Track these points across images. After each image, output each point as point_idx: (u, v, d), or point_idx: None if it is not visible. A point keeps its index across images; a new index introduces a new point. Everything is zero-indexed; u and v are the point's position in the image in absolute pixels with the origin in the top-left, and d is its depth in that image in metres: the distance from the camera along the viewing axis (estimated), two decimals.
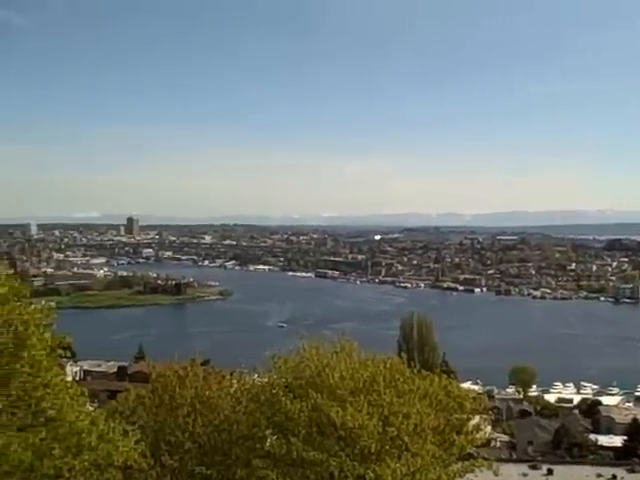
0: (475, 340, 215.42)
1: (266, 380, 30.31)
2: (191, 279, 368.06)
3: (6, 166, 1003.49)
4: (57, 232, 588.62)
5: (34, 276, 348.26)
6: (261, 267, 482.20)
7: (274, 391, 28.06)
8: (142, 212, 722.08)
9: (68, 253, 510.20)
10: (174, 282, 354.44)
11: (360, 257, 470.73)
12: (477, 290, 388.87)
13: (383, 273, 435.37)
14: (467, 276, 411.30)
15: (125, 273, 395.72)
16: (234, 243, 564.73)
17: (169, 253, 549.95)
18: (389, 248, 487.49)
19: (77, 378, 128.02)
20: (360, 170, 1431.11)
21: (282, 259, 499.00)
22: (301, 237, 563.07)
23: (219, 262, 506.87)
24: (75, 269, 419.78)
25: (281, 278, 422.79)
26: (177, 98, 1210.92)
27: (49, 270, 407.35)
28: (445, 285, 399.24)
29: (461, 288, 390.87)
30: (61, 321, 20.73)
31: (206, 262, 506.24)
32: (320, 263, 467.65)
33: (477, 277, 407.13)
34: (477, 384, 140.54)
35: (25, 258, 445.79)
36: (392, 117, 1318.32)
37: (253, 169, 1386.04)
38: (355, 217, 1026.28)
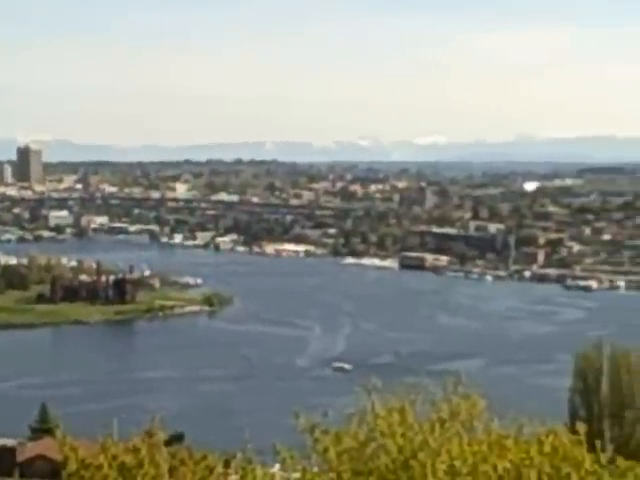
0: None
1: (298, 476, 18.36)
2: (147, 272, 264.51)
3: None
4: None
5: None
6: (290, 248, 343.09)
7: None
8: (48, 135, 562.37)
9: None
10: (112, 278, 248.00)
11: (493, 227, 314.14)
12: None
13: (541, 260, 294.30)
14: None
15: (14, 260, 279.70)
16: (235, 200, 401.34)
17: (103, 219, 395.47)
18: (553, 209, 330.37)
19: None
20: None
21: (333, 231, 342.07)
22: (373, 186, 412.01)
23: (204, 237, 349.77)
24: None
25: (330, 270, 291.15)
26: None
27: None
28: None
29: None
30: None
31: (177, 237, 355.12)
32: (410, 240, 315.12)
33: None
34: None
35: None
36: None
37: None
38: (484, 146, 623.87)
